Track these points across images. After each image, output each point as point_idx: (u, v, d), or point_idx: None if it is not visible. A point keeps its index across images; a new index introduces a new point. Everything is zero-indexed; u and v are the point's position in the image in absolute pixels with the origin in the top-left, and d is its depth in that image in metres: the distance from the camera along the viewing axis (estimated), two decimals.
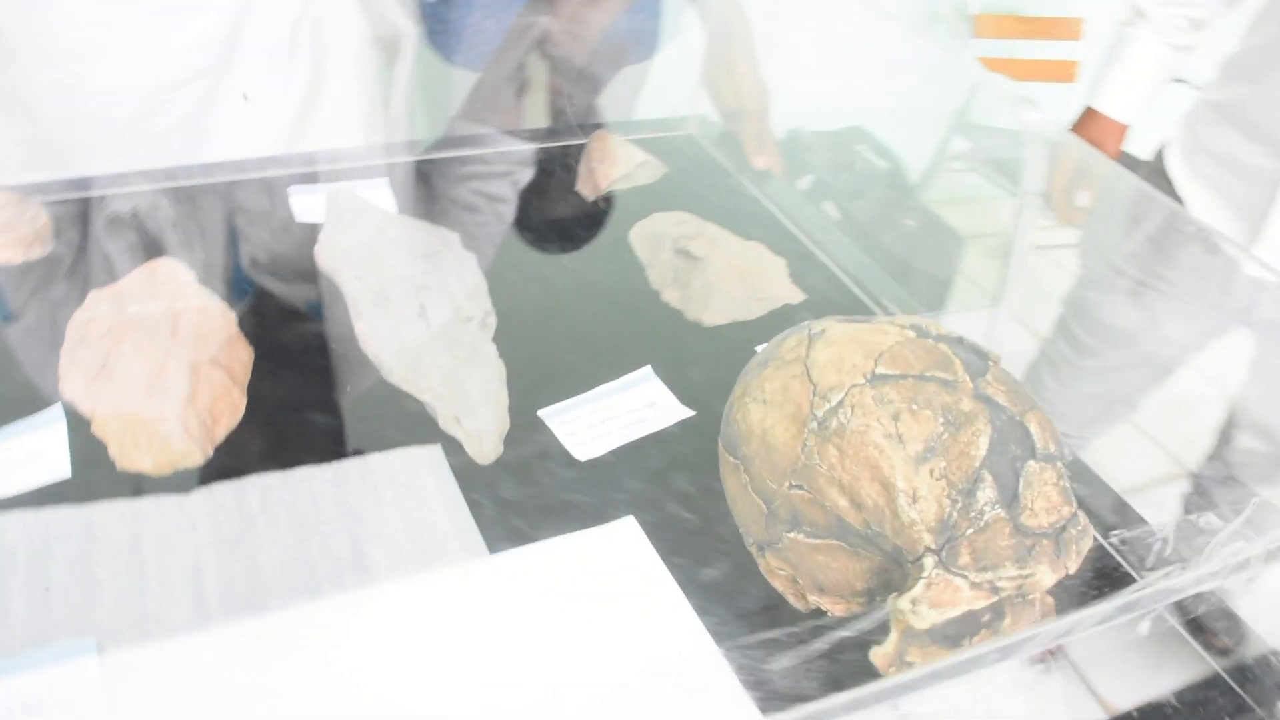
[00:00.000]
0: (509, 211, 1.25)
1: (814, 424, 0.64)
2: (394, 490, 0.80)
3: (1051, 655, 0.77)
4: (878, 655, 0.62)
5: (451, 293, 0.91)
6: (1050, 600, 0.65)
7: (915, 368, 0.63)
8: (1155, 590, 0.56)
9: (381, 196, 1.14)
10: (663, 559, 0.76)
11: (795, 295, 1.03)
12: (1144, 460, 1.71)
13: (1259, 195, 1.24)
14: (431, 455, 0.83)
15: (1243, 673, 0.72)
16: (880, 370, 0.63)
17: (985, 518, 0.59)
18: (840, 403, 0.63)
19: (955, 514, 0.59)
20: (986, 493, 0.59)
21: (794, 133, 2.69)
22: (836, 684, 0.65)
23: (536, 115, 1.62)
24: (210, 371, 0.85)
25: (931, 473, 0.60)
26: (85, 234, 1.09)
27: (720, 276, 1.01)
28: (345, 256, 0.91)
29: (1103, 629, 0.57)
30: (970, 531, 0.59)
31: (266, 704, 0.65)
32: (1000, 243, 2.14)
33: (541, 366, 0.94)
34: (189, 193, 1.14)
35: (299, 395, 0.88)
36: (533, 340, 0.97)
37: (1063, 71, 2.51)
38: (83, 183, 1.14)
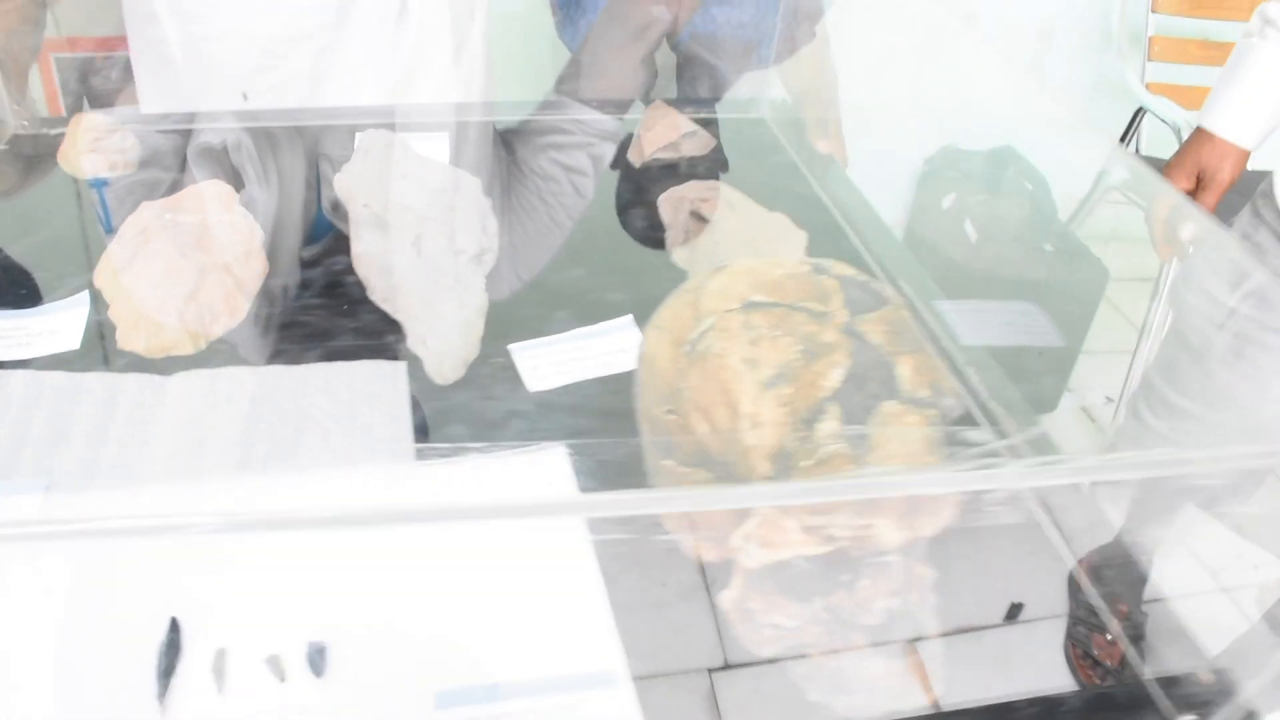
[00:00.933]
0: (587, 185, 1.28)
1: (687, 347, 0.63)
2: (349, 396, 0.85)
3: None
4: (723, 598, 0.60)
5: (450, 227, 0.95)
6: (926, 573, 0.61)
7: (791, 298, 0.61)
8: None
9: (438, 150, 1.20)
10: (583, 491, 0.77)
11: None
12: None
13: None
14: (395, 370, 0.87)
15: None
16: (755, 298, 0.62)
17: (823, 451, 0.57)
18: (711, 327, 0.62)
19: (795, 444, 0.57)
20: (829, 425, 0.57)
21: (945, 150, 2.59)
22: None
23: None
24: (219, 276, 0.93)
25: (777, 399, 0.58)
26: (183, 162, 1.22)
27: (728, 240, 1.00)
28: (358, 184, 0.97)
29: None
30: (806, 464, 0.57)
31: (178, 560, 0.71)
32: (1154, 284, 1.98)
33: (534, 310, 0.96)
34: (271, 133, 1.25)
35: (296, 308, 0.95)
36: (537, 287, 1.00)
37: None
38: (187, 117, 1.26)
